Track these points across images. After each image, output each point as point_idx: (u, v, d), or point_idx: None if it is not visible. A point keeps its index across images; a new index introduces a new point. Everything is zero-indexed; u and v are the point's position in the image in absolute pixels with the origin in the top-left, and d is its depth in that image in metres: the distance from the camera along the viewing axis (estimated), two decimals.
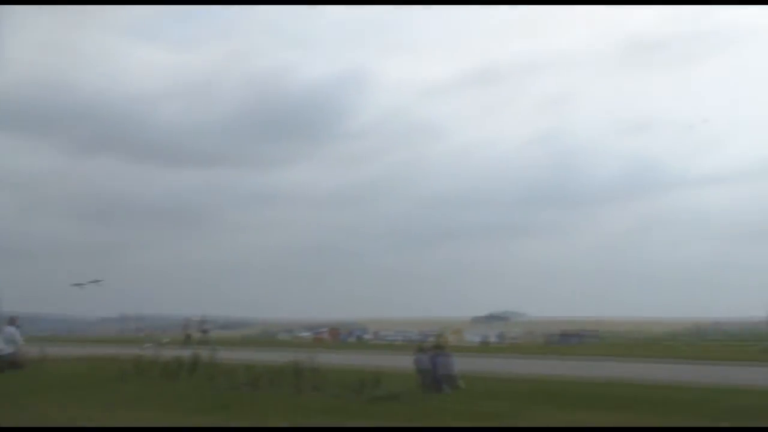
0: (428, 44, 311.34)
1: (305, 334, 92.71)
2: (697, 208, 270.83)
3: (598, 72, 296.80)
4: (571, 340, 78.05)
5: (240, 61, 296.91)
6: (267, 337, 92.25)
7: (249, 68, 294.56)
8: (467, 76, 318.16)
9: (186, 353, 23.88)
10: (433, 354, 20.48)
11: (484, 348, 62.56)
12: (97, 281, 37.70)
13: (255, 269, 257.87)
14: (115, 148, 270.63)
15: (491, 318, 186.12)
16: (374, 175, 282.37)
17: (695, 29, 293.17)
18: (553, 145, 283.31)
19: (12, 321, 24.71)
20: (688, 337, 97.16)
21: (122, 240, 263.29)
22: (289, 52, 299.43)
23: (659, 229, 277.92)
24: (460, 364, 20.99)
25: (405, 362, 22.41)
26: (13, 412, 14.88)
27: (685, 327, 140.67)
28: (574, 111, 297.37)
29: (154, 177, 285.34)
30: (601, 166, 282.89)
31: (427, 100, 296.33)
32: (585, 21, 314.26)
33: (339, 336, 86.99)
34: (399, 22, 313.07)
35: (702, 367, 30.48)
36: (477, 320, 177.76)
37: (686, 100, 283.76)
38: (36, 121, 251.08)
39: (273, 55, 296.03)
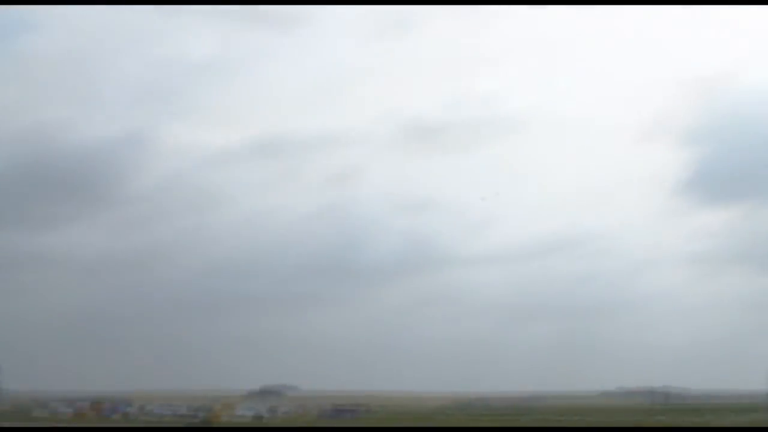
0: (215, 111, 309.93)
1: (66, 410, 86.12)
2: (470, 286, 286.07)
3: (383, 151, 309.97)
4: (344, 414, 78.54)
5: (10, 113, 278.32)
6: (20, 412, 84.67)
7: (21, 121, 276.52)
8: (254, 145, 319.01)
9: None
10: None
11: (256, 423, 61.48)
12: None
13: (12, 335, 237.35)
14: None
15: (265, 392, 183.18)
16: (154, 241, 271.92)
17: (473, 117, 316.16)
18: (337, 219, 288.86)
19: None
20: (456, 411, 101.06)
21: None
22: (66, 108, 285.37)
23: (435, 305, 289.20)
24: None
25: None
26: None
27: (456, 401, 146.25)
28: (359, 187, 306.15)
29: None
30: (382, 242, 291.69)
31: (213, 166, 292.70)
32: (371, 102, 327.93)
33: (102, 411, 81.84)
34: (185, 87, 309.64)
35: None
36: (251, 394, 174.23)
37: (463, 182, 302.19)
38: None
39: (48, 110, 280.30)
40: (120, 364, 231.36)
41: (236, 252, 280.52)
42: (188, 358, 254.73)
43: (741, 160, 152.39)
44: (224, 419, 73.86)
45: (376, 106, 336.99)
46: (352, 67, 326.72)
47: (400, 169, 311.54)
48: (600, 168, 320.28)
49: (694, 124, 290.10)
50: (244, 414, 78.03)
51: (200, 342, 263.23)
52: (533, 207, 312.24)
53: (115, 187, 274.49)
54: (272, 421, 70.23)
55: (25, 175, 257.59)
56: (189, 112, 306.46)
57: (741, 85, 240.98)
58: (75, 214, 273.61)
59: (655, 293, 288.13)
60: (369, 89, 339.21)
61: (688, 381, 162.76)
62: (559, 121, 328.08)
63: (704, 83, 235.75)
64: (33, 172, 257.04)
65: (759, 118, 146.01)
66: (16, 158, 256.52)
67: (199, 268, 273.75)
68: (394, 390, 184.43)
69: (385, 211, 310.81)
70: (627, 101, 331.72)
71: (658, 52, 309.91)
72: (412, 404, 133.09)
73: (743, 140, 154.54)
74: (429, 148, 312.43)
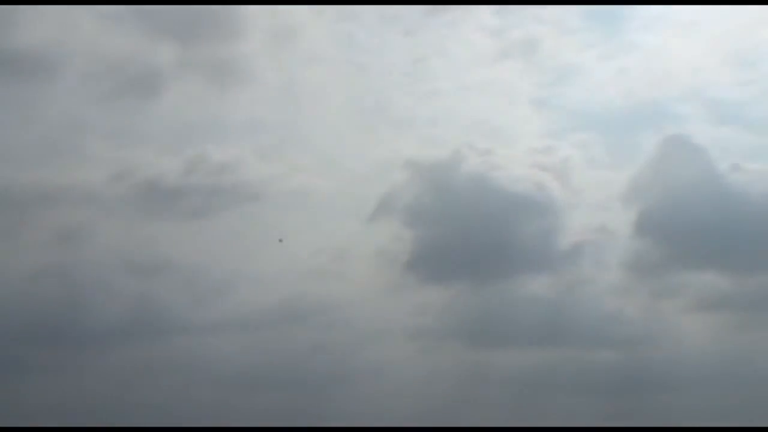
0: None
1: None
2: (201, 354, 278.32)
3: (115, 212, 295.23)
4: None
5: None
6: None
7: None
8: None
9: None
10: None
11: None
12: None
13: None
14: None
15: None
16: None
17: (211, 183, 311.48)
18: (59, 281, 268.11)
19: None
20: None
21: None
22: None
23: (162, 373, 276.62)
24: None
25: None
26: None
27: None
28: (86, 248, 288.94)
29: None
30: (109, 307, 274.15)
31: None
32: (105, 161, 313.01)
33: None
34: None
35: None
36: None
37: (199, 247, 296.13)
38: None
39: None
40: None
41: None
42: None
43: (459, 242, 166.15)
44: None
45: (111, 166, 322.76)
46: (88, 123, 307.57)
47: (133, 230, 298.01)
48: (333, 241, 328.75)
49: (418, 206, 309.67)
50: None
51: None
52: (268, 276, 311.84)
53: None
54: None
55: None
56: None
57: (460, 172, 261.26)
58: None
59: (379, 366, 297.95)
60: (104, 148, 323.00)
61: None
62: (295, 193, 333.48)
63: (429, 168, 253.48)
64: None
65: (475, 204, 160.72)
66: None
67: None
68: None
69: (114, 274, 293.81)
70: (360, 180, 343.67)
71: (389, 134, 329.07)
72: None
73: (461, 224, 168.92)
74: (165, 211, 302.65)
